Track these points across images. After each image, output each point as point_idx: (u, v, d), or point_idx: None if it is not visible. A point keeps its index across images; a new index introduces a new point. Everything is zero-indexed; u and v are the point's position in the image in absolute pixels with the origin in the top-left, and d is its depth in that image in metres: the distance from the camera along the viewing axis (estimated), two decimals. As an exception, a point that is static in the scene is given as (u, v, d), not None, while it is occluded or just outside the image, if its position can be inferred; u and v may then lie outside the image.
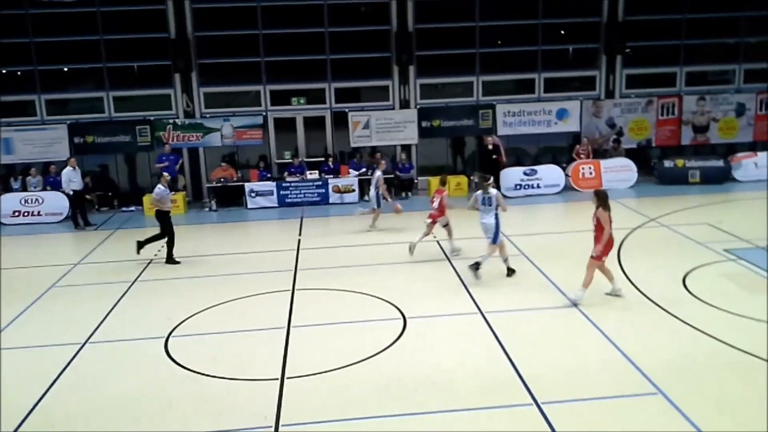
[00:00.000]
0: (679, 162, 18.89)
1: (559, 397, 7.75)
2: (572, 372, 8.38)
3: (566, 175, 18.75)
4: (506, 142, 19.48)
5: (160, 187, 13.52)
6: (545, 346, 9.16)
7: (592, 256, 10.46)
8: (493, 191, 11.80)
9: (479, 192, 11.97)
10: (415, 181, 19.40)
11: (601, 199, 10.45)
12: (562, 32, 20.14)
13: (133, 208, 18.46)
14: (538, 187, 18.42)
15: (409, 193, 18.97)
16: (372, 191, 15.38)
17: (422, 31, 19.18)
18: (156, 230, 13.73)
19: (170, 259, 13.50)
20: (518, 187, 18.32)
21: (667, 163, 18.98)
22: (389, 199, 15.35)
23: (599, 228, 10.39)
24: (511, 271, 12.00)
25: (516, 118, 19.50)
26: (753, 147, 19.91)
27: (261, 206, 18.20)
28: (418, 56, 19.24)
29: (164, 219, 13.45)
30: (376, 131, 19.26)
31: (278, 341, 9.56)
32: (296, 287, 11.87)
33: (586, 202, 17.50)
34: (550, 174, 18.67)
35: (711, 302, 10.33)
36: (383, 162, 16.24)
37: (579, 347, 9.10)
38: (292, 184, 18.39)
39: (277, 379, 8.45)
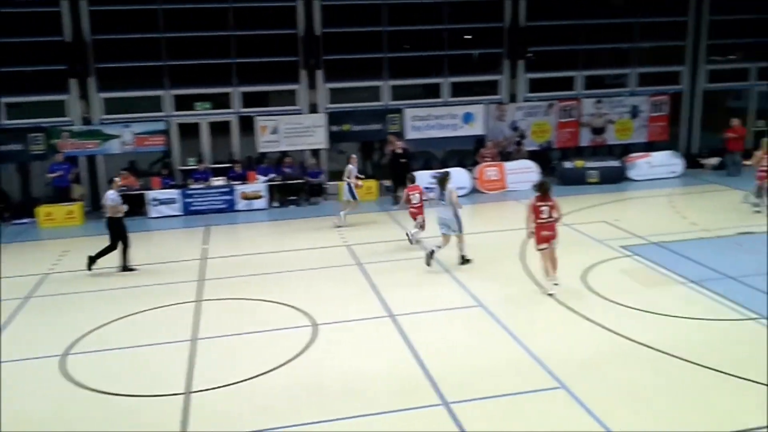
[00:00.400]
0: (579, 163, 19.64)
1: (467, 395, 7.88)
2: (480, 370, 8.55)
3: (473, 178, 19.13)
4: (415, 145, 19.72)
5: (113, 193, 12.94)
6: (454, 346, 9.30)
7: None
8: (450, 186, 12.56)
9: (438, 188, 12.66)
10: (325, 186, 19.32)
11: (547, 188, 10.96)
12: (467, 37, 20.58)
13: (26, 221, 17.45)
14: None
15: (319, 199, 18.86)
16: (345, 186, 16.03)
17: (330, 35, 19.14)
18: (105, 241, 13.07)
19: (126, 267, 12.99)
20: (427, 190, 18.49)
21: (567, 164, 19.71)
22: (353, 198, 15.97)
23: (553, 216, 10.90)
24: (465, 260, 12.68)
25: (424, 122, 19.76)
26: (648, 147, 20.96)
27: (164, 215, 17.63)
28: (325, 60, 19.18)
29: (118, 226, 12.91)
30: (284, 136, 19.06)
31: (184, 354, 9.27)
32: (202, 298, 11.56)
33: (491, 204, 18.06)
34: (457, 177, 18.92)
35: (610, 297, 10.78)
36: (353, 156, 16.49)
37: (486, 346, 9.29)
38: (197, 192, 17.92)
39: (183, 393, 8.20)
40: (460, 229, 12.50)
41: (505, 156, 19.91)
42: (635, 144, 21.07)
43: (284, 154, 19.20)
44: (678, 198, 17.74)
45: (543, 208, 10.91)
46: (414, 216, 14.15)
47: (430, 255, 12.43)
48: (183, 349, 9.45)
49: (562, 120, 20.59)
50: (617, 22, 20.96)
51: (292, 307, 10.87)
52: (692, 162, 20.98)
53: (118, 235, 12.95)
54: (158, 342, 9.72)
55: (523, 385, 8.10)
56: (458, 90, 20.20)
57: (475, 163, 19.54)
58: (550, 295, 10.93)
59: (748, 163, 17.12)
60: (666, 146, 21.05)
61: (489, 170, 19.20)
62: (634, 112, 20.98)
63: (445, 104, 20.01)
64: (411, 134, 19.61)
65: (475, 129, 20.02)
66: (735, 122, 19.99)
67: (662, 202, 17.71)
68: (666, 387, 8.01)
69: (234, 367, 8.83)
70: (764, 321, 9.61)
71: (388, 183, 19.08)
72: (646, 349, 8.94)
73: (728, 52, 22.35)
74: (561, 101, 20.54)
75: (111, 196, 12.96)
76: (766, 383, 7.85)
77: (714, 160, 20.80)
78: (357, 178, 16.20)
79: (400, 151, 17.99)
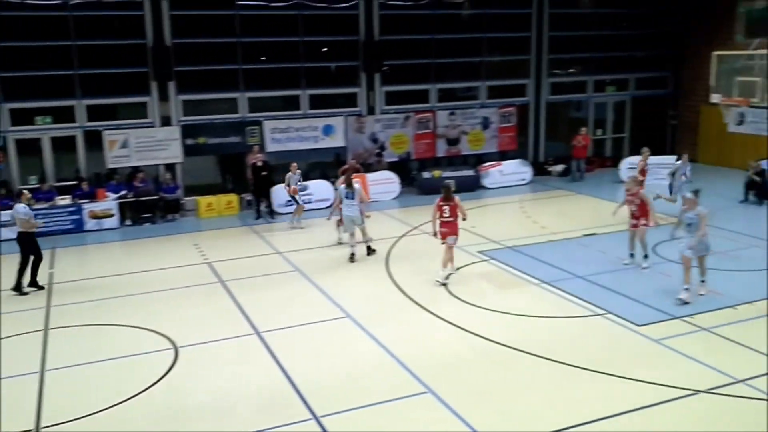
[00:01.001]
0: (436, 173, 20.24)
1: (336, 407, 7.84)
2: (349, 381, 8.54)
3: (335, 189, 19.16)
4: (276, 158, 19.49)
5: (23, 207, 12.27)
6: (321, 358, 9.23)
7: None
8: (357, 186, 13.71)
9: (342, 187, 13.80)
10: (182, 201, 18.61)
11: (449, 191, 12.24)
12: (324, 50, 20.65)
13: None
14: (310, 202, 18.62)
15: (176, 215, 18.10)
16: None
17: (181, 45, 18.48)
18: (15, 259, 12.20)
19: (35, 284, 12.43)
20: (290, 203, 18.33)
21: (426, 174, 20.26)
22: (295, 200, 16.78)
23: (454, 215, 12.05)
24: (371, 251, 13.94)
25: (284, 134, 19.57)
26: (499, 157, 22.00)
27: (4, 238, 16.17)
28: (178, 72, 18.50)
29: (29, 241, 12.33)
30: (136, 150, 18.15)
31: (33, 387, 8.53)
32: (49, 326, 10.72)
33: (355, 215, 18.12)
34: (320, 189, 18.98)
35: (470, 300, 11.16)
36: (294, 164, 16.99)
37: (354, 355, 9.30)
38: (40, 212, 16.58)
39: (32, 430, 7.53)
40: (363, 222, 13.80)
41: (367, 167, 20.14)
42: (488, 154, 22.04)
43: (136, 169, 18.28)
44: (528, 204, 18.74)
45: (445, 207, 12.11)
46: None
47: (352, 257, 13.62)
48: (31, 382, 8.70)
49: (419, 132, 21.16)
50: (467, 37, 21.87)
51: (151, 330, 10.33)
52: (540, 169, 22.29)
53: (30, 250, 12.31)
54: (1, 377, 8.87)
55: (391, 392, 8.18)
56: (318, 102, 20.20)
57: (338, 176, 19.59)
58: (443, 284, 11.84)
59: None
60: (515, 155, 22.22)
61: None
62: (485, 124, 21.96)
63: (305, 116, 19.94)
64: (271, 147, 19.35)
65: (336, 141, 20.11)
66: (582, 131, 21.47)
67: (514, 208, 18.66)
68: (525, 384, 8.39)
69: (88, 397, 8.24)
70: (610, 316, 10.33)
71: (249, 197, 18.70)
72: (505, 349, 9.32)
73: (568, 66, 24.00)
74: (417, 113, 21.11)
75: (22, 210, 12.17)
76: (614, 374, 8.44)
77: (559, 167, 22.23)
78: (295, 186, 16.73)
79: (260, 163, 17.69)
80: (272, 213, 17.92)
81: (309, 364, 9.04)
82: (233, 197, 18.54)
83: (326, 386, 8.40)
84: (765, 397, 7.78)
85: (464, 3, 22.12)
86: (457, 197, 12.15)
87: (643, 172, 16.29)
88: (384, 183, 19.70)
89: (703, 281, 11.03)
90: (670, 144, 24.92)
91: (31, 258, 12.39)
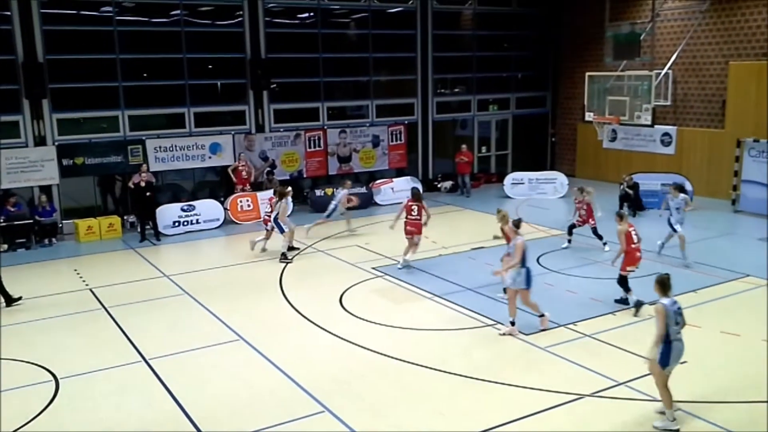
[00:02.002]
0: (329, 191, 20.21)
1: (231, 434, 7.59)
2: (242, 405, 8.30)
3: (225, 209, 18.76)
4: (160, 178, 18.83)
5: None
6: (214, 383, 8.94)
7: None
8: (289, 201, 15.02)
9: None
10: (60, 225, 17.58)
11: (419, 195, 14.08)
12: (210, 67, 20.23)
13: None
14: (198, 222, 18.10)
15: (54, 240, 17.07)
16: (332, 205, 17.13)
17: (56, 62, 17.55)
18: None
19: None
20: (176, 224, 17.77)
21: (318, 192, 20.21)
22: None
23: (420, 215, 13.68)
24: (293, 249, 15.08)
25: (168, 153, 18.95)
26: (392, 174, 22.31)
27: None
28: (52, 89, 17.54)
29: None
30: (6, 172, 16.99)
31: None
32: None
33: (246, 234, 17.78)
34: (208, 209, 18.49)
35: (364, 317, 11.18)
36: (348, 182, 17.82)
37: (247, 378, 9.06)
38: None
39: None
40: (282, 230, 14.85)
41: (256, 186, 19.84)
42: (379, 171, 22.32)
43: (7, 192, 17.12)
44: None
45: (413, 207, 13.67)
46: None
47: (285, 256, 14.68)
48: None
49: (310, 149, 21.12)
50: (355, 56, 22.12)
51: (28, 362, 9.64)
52: (429, 186, 22.79)
53: None
54: None
55: (287, 413, 8.02)
56: (205, 120, 19.72)
57: (230, 194, 19.21)
58: (402, 268, 13.59)
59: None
60: (406, 172, 22.61)
61: (242, 200, 18.97)
62: (376, 142, 22.24)
63: (191, 134, 19.41)
64: (155, 166, 18.68)
65: (224, 159, 19.69)
66: (463, 148, 22.20)
67: (384, 227, 18.88)
68: (419, 396, 8.47)
69: (-47, 441, 7.56)
70: (499, 326, 10.64)
71: (132, 218, 17.94)
72: (399, 363, 9.38)
73: (453, 85, 24.77)
74: (307, 131, 21.07)
75: None
76: (504, 383, 8.68)
77: (448, 184, 22.83)
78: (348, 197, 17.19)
79: (143, 184, 17.01)
80: (158, 235, 17.25)
81: (200, 390, 8.72)
82: (115, 219, 17.72)
83: (219, 412, 8.13)
84: (644, 397, 8.24)
85: (351, 23, 22.40)
86: (423, 201, 13.84)
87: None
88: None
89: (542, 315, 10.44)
90: (551, 160, 26.23)
91: None
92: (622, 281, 11.24)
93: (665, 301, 7.52)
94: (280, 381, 8.94)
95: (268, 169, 20.26)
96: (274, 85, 20.55)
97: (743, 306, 11.37)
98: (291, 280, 13.45)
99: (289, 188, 16.26)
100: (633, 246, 11.17)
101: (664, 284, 7.62)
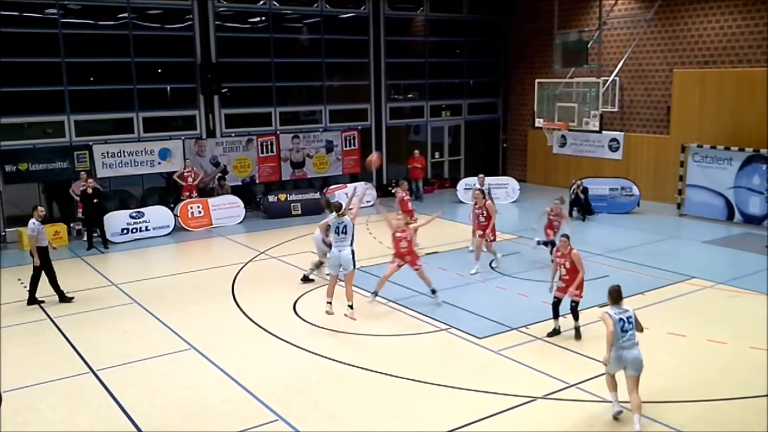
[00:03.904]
0: (282, 196, 20.10)
1: (182, 446, 7.44)
2: (194, 415, 8.16)
3: (175, 216, 18.44)
4: (108, 184, 18.42)
5: (34, 222, 12.24)
6: (165, 394, 8.75)
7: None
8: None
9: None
10: (3, 233, 17.02)
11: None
12: (159, 71, 19.90)
13: None
14: (147, 230, 17.74)
15: (-4, 248, 16.53)
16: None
17: (-1, 64, 17.04)
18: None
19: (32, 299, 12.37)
20: (125, 231, 17.39)
21: (272, 198, 20.05)
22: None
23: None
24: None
25: (116, 159, 18.54)
26: (346, 179, 22.26)
27: None
28: (-6, 93, 17.01)
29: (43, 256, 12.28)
30: (-55, 179, 16.43)
31: None
32: None
33: (198, 241, 17.57)
34: (158, 215, 18.14)
35: (318, 324, 11.11)
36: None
37: (199, 388, 8.90)
38: None
39: None
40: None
41: (207, 192, 19.57)
42: (333, 176, 22.26)
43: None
44: (374, 225, 19.03)
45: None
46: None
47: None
48: None
49: (263, 155, 20.93)
50: (307, 61, 22.04)
51: (-35, 377, 9.28)
52: (384, 191, 22.81)
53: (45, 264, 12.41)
54: None
55: (240, 423, 7.91)
56: (154, 125, 19.36)
57: (178, 200, 18.88)
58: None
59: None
60: (360, 178, 22.58)
61: (192, 207, 18.68)
62: (329, 147, 22.17)
63: (139, 140, 19.03)
64: (103, 172, 18.26)
65: (174, 165, 19.36)
66: (416, 153, 22.34)
67: (360, 229, 18.73)
68: (373, 402, 8.45)
69: None
70: (453, 330, 10.70)
71: (79, 226, 17.49)
72: (354, 369, 9.35)
73: (407, 91, 24.89)
74: (259, 136, 20.88)
75: (32, 225, 12.21)
76: (459, 387, 8.73)
77: (401, 189, 22.86)
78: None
79: (90, 190, 16.59)
80: (105, 243, 16.85)
81: (151, 402, 8.53)
82: (61, 227, 17.23)
83: (170, 423, 7.97)
84: (594, 398, 8.38)
85: (303, 27, 22.32)
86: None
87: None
88: (227, 207, 19.23)
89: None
90: (502, 166, 26.56)
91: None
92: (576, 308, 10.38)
93: (610, 310, 7.77)
94: (232, 390, 8.81)
95: (220, 174, 20.00)
96: (226, 90, 20.32)
97: (689, 307, 11.69)
98: (243, 288, 13.29)
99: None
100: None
101: (611, 295, 7.91)
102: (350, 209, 12.00)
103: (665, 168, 20.32)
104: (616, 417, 7.84)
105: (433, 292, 11.92)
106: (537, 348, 10.06)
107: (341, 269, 11.22)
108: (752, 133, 18.06)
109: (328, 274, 11.70)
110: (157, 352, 10.12)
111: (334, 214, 11.29)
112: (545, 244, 14.04)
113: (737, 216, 17.98)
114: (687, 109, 19.86)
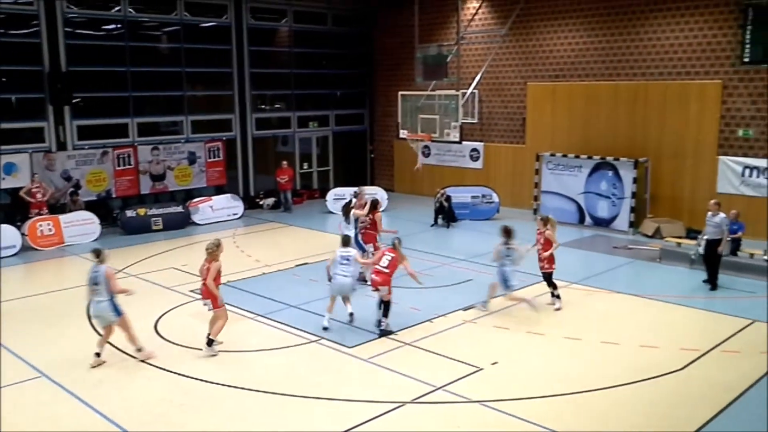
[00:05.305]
0: (141, 211, 19.19)
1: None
2: (44, 450, 7.54)
3: (22, 234, 17.09)
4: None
5: None
6: (16, 425, 8.03)
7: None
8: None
9: None
10: None
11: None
12: (4, 80, 18.43)
13: None
14: (-12, 250, 16.33)
15: None
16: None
17: None
18: None
19: None
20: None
21: (130, 213, 19.09)
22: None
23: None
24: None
25: (-47, 174, 16.99)
26: (211, 191, 21.64)
27: None
28: None
29: None
30: None
31: None
32: None
33: (48, 261, 16.38)
34: (3, 235, 16.72)
35: (182, 343, 10.66)
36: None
37: (53, 418, 8.26)
38: None
39: None
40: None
41: (59, 208, 18.32)
42: (197, 189, 21.56)
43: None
44: (241, 238, 18.65)
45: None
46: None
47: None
48: None
49: (120, 168, 19.91)
50: (167, 70, 21.26)
51: None
52: (251, 203, 22.42)
53: None
54: None
55: (97, 454, 7.40)
56: (-2, 138, 17.92)
57: (25, 218, 17.53)
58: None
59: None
60: (226, 190, 22.05)
61: (42, 225, 17.39)
62: (192, 159, 21.47)
63: (-20, 154, 17.54)
64: (-63, 189, 16.66)
65: (20, 180, 17.98)
66: (284, 164, 22.14)
67: (227, 243, 18.22)
68: (238, 419, 8.20)
69: None
70: (323, 341, 10.62)
71: None
72: (219, 387, 9.05)
73: (273, 102, 24.62)
74: (116, 148, 19.86)
75: None
76: (328, 397, 8.66)
77: (270, 200, 22.58)
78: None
79: None
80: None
81: (-7, 437, 7.81)
82: None
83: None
84: (461, 400, 8.60)
85: (162, 36, 21.53)
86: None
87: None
88: (81, 224, 18.06)
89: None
90: (371, 176, 26.88)
91: None
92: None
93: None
94: (90, 418, 8.24)
95: (72, 189, 18.79)
96: (78, 100, 19.17)
97: (547, 307, 12.26)
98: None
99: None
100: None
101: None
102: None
103: (522, 176, 21.39)
104: None
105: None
106: (405, 353, 10.19)
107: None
108: (599, 142, 19.41)
109: None
110: (4, 381, 9.28)
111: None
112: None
113: (588, 219, 19.22)
114: (540, 119, 21.05)
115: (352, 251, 11.36)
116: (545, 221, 12.42)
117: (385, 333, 10.83)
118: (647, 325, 11.45)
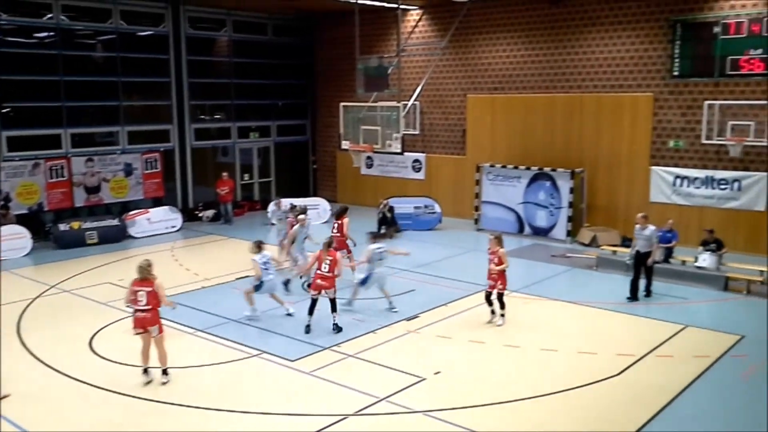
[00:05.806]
0: (75, 224, 18.58)
1: None
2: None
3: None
4: None
5: None
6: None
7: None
8: None
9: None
10: None
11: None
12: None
13: None
14: None
15: None
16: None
17: None
18: None
19: None
20: None
21: (63, 227, 18.45)
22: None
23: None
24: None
25: None
26: (149, 204, 21.14)
27: None
28: None
29: None
30: None
31: None
32: None
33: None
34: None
35: (119, 360, 10.34)
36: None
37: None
38: None
39: None
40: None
41: (-13, 222, 17.60)
42: (133, 201, 21.03)
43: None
44: (179, 251, 18.26)
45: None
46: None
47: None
48: None
49: (52, 180, 19.26)
50: (102, 80, 20.71)
51: None
52: (190, 215, 21.99)
53: None
54: None
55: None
56: None
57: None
58: None
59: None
60: (164, 202, 21.58)
61: (-32, 240, 16.67)
62: (129, 170, 20.95)
63: None
64: None
65: (-54, 193, 17.23)
66: (224, 176, 21.83)
67: (165, 256, 17.95)
68: (183, 439, 8.00)
69: None
70: (265, 355, 10.47)
71: None
72: (153, 404, 8.81)
73: (213, 112, 24.26)
74: (48, 160, 19.21)
75: None
76: (269, 412, 8.53)
77: (210, 212, 22.19)
78: None
79: None
80: None
81: None
82: None
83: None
84: (404, 410, 8.59)
85: (97, 44, 20.98)
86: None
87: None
88: (11, 239, 17.36)
89: None
90: (313, 186, 26.76)
91: None
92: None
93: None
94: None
95: (2, 203, 18.07)
96: (8, 110, 18.49)
97: (488, 316, 12.37)
98: (31, 325, 12.04)
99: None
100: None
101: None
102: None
103: (463, 186, 21.64)
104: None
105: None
106: (349, 365, 10.14)
107: None
108: (537, 153, 19.82)
109: None
110: None
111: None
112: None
113: (527, 229, 19.57)
114: (479, 131, 21.37)
115: (268, 254, 12.57)
116: (499, 240, 12.23)
117: (340, 328, 11.43)
118: (585, 331, 11.71)
